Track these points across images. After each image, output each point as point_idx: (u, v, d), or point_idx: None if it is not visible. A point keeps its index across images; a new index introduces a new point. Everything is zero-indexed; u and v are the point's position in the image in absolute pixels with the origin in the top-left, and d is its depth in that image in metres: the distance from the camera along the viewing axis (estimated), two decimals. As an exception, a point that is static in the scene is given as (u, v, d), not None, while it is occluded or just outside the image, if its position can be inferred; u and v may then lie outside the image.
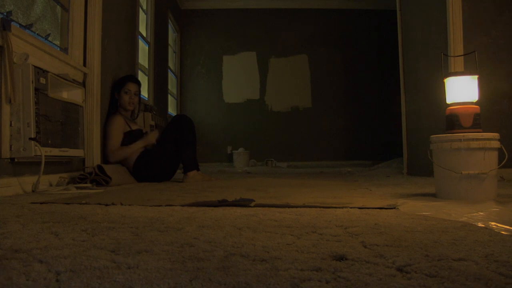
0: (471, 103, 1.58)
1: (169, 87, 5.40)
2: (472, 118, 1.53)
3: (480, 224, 0.97)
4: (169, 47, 5.41)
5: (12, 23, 1.71)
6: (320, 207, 1.29)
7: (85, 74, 2.48)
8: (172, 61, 5.78)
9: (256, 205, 1.34)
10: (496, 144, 1.48)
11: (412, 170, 3.45)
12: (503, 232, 0.87)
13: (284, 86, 6.20)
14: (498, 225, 0.95)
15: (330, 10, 6.27)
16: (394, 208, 1.28)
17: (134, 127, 2.86)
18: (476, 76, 1.61)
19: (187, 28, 6.19)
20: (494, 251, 0.70)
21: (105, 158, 2.69)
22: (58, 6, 2.38)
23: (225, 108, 6.14)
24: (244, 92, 6.19)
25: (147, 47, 4.27)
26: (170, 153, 2.78)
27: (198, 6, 6.19)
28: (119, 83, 2.86)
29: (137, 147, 2.72)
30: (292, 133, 6.13)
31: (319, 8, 6.27)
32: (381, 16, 6.14)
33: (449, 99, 1.64)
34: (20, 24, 1.95)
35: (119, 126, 2.74)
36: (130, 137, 2.75)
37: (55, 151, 1.98)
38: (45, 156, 1.84)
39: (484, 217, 1.08)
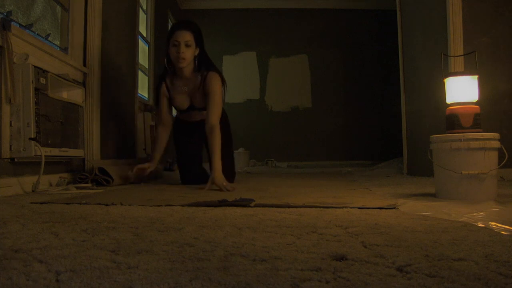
0: (471, 103, 1.58)
1: (169, 87, 5.39)
2: (472, 118, 1.53)
3: (480, 224, 0.97)
4: (169, 47, 5.40)
5: (12, 23, 1.71)
6: (320, 207, 1.29)
7: (85, 74, 2.48)
8: (172, 61, 5.77)
9: (256, 205, 1.34)
10: (496, 144, 1.48)
11: (412, 170, 3.45)
12: (503, 232, 0.87)
13: (284, 86, 6.19)
14: (498, 225, 0.95)
15: (330, 10, 6.27)
16: (394, 208, 1.28)
17: (176, 94, 2.39)
18: (476, 76, 1.61)
19: (187, 28, 6.18)
20: (494, 251, 0.70)
21: (108, 153, 2.70)
22: (58, 6, 2.38)
23: (225, 108, 6.13)
24: (244, 92, 6.19)
25: (147, 47, 4.27)
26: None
27: (198, 6, 6.19)
28: (168, 36, 2.32)
29: (153, 152, 2.43)
30: (292, 133, 6.13)
31: (319, 8, 6.27)
32: (381, 16, 6.14)
33: (449, 99, 1.64)
34: (20, 24, 1.95)
35: (161, 95, 2.41)
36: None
37: (55, 151, 1.98)
38: (45, 156, 1.84)
39: (484, 217, 1.08)
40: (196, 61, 2.34)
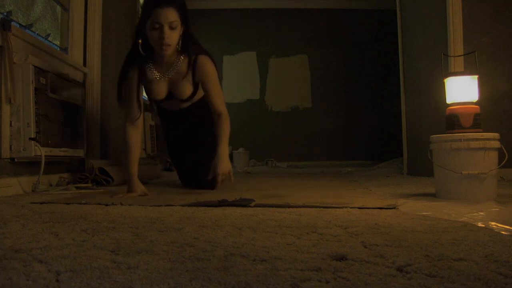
0: (471, 103, 1.58)
1: (169, 87, 5.39)
2: (472, 118, 1.53)
3: (480, 224, 0.97)
4: (169, 47, 5.40)
5: (12, 23, 1.71)
6: (320, 207, 1.29)
7: (85, 74, 2.48)
8: (172, 61, 5.77)
9: (256, 205, 1.34)
10: (496, 144, 1.48)
11: (412, 170, 3.45)
12: (503, 232, 0.87)
13: (284, 86, 6.19)
14: (498, 225, 0.95)
15: (330, 10, 6.27)
16: (394, 208, 1.28)
17: (153, 83, 1.93)
18: (476, 76, 1.61)
19: (187, 28, 6.18)
20: (494, 251, 0.70)
21: (103, 155, 2.69)
22: (58, 6, 2.38)
23: (225, 108, 6.13)
24: (244, 92, 6.19)
25: (147, 47, 4.26)
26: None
27: (198, 6, 6.19)
28: (142, 14, 1.78)
29: (128, 165, 1.88)
30: (292, 133, 6.13)
31: (319, 8, 6.27)
32: (381, 16, 6.13)
33: (449, 99, 1.64)
34: (20, 24, 1.95)
35: (128, 81, 1.92)
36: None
37: (55, 151, 1.98)
38: (45, 156, 1.84)
39: (484, 217, 1.08)
40: (180, 42, 1.85)
